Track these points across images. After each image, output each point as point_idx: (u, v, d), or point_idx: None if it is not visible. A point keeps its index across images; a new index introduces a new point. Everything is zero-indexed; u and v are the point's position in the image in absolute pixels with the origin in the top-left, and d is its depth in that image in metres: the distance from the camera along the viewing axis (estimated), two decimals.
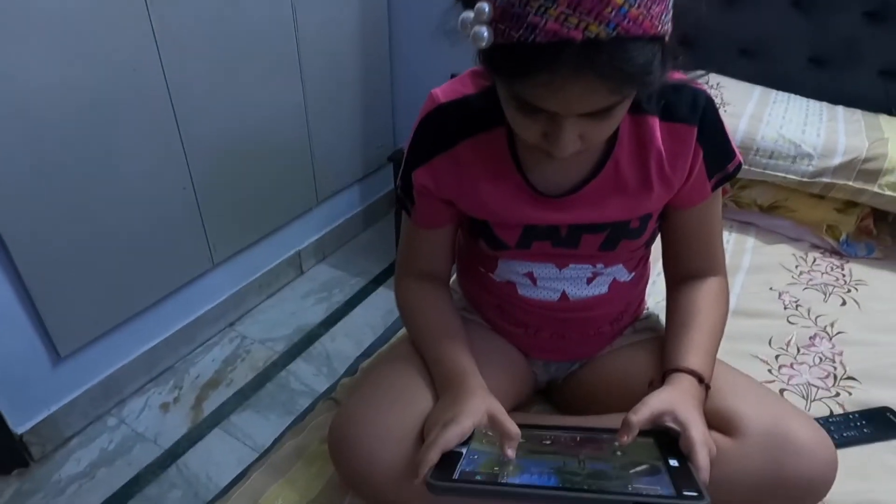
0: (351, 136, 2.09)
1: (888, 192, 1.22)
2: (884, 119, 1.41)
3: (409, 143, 0.74)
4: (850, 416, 0.89)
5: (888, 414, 0.89)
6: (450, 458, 0.60)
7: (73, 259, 1.36)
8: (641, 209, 0.73)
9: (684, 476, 0.57)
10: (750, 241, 1.33)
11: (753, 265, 1.25)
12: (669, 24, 0.51)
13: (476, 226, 0.76)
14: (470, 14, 0.51)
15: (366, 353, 1.08)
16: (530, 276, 0.78)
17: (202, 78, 1.50)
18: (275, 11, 1.64)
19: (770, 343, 1.04)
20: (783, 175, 1.29)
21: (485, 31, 0.50)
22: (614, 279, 0.79)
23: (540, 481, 0.58)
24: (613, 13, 0.46)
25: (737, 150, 0.74)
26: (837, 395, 0.94)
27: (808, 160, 1.27)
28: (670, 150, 0.69)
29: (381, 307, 1.96)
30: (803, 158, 1.27)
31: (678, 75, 0.70)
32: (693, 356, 0.70)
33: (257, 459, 0.84)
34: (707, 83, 1.55)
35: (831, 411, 0.91)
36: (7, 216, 1.22)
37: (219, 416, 1.59)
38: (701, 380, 0.68)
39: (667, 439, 0.62)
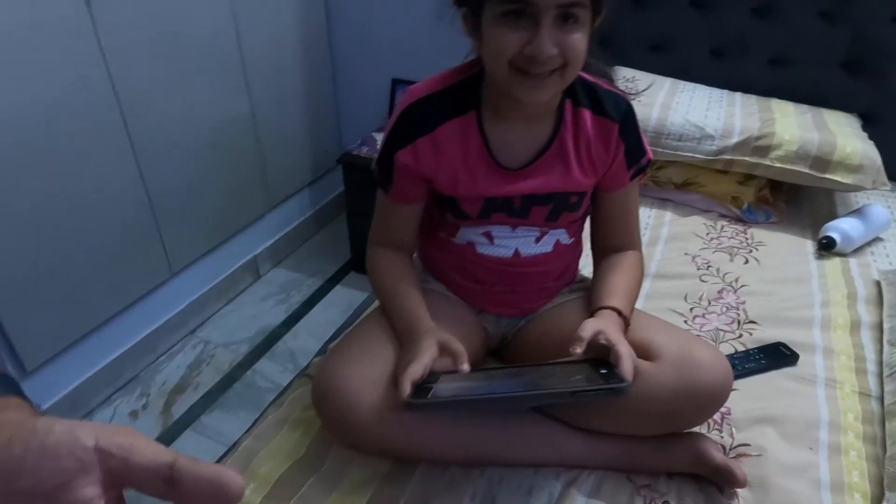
0: (299, 142, 2.17)
1: (778, 165, 1.41)
2: (775, 102, 1.62)
3: (390, 130, 0.86)
4: (750, 352, 1.06)
5: (780, 347, 1.07)
6: (423, 390, 0.73)
7: (36, 274, 1.39)
8: (578, 185, 0.88)
9: (612, 376, 0.73)
10: (667, 215, 1.50)
11: (671, 235, 1.42)
12: None
13: (445, 201, 0.90)
14: None
15: (332, 338, 1.18)
16: (488, 234, 0.92)
17: (152, 91, 1.56)
18: (218, 27, 1.71)
19: (685, 299, 1.20)
20: (691, 154, 1.46)
21: None
22: (558, 240, 0.94)
23: (498, 390, 0.72)
24: None
25: (648, 149, 0.92)
26: (741, 336, 1.11)
27: (711, 140, 1.45)
28: (597, 138, 0.86)
29: (339, 304, 2.05)
30: (707, 139, 1.45)
31: (610, 85, 0.88)
32: (613, 298, 0.87)
33: (245, 433, 0.93)
34: (622, 77, 1.74)
35: (735, 350, 1.08)
36: None
37: (189, 419, 1.64)
38: (620, 313, 0.84)
39: (598, 362, 0.77)
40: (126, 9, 1.43)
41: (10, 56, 1.23)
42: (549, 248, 0.94)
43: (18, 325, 1.39)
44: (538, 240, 0.93)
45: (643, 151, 0.91)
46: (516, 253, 0.92)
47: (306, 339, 1.91)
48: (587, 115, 0.85)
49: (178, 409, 1.67)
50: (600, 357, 0.78)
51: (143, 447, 0.27)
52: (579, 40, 0.73)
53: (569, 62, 0.73)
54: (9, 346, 1.39)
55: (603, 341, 0.77)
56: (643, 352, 0.81)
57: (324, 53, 2.17)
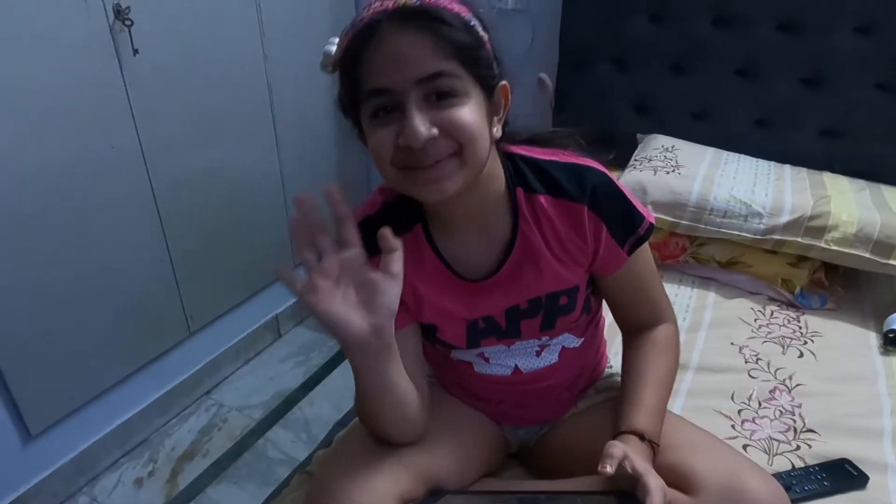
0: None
1: (834, 248, 1.29)
2: (827, 176, 1.51)
3: None
4: (811, 470, 0.92)
5: (846, 465, 0.93)
6: None
7: (46, 333, 1.36)
8: (563, 283, 0.76)
9: None
10: (711, 297, 1.38)
11: (714, 320, 1.30)
12: (482, 32, 0.66)
13: (428, 334, 0.80)
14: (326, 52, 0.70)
15: (342, 423, 1.10)
16: (482, 356, 0.83)
17: (179, 151, 1.55)
18: (251, 86, 1.71)
19: (732, 398, 1.08)
20: (737, 233, 1.36)
21: (331, 48, 0.68)
22: (563, 347, 0.84)
23: None
24: None
25: (645, 213, 0.77)
26: (798, 448, 0.98)
27: (759, 219, 1.34)
28: (565, 224, 0.74)
29: None
30: (754, 217, 1.35)
31: (571, 157, 0.75)
32: (638, 416, 0.74)
33: None
34: (661, 146, 1.63)
35: (793, 465, 0.94)
36: None
37: (194, 490, 1.56)
38: (643, 437, 0.72)
39: (624, 494, 0.66)
40: (157, 67, 1.43)
41: (39, 112, 1.23)
42: (554, 359, 0.83)
43: (26, 387, 1.35)
44: (539, 353, 0.83)
45: (636, 219, 0.76)
46: (516, 370, 0.83)
47: (323, 405, 1.82)
48: (543, 200, 0.73)
49: (185, 479, 1.59)
50: (628, 490, 0.66)
51: None
52: (466, 114, 0.62)
53: (462, 141, 0.63)
54: (14, 408, 1.35)
55: (629, 470, 0.66)
56: (680, 480, 0.69)
57: None
